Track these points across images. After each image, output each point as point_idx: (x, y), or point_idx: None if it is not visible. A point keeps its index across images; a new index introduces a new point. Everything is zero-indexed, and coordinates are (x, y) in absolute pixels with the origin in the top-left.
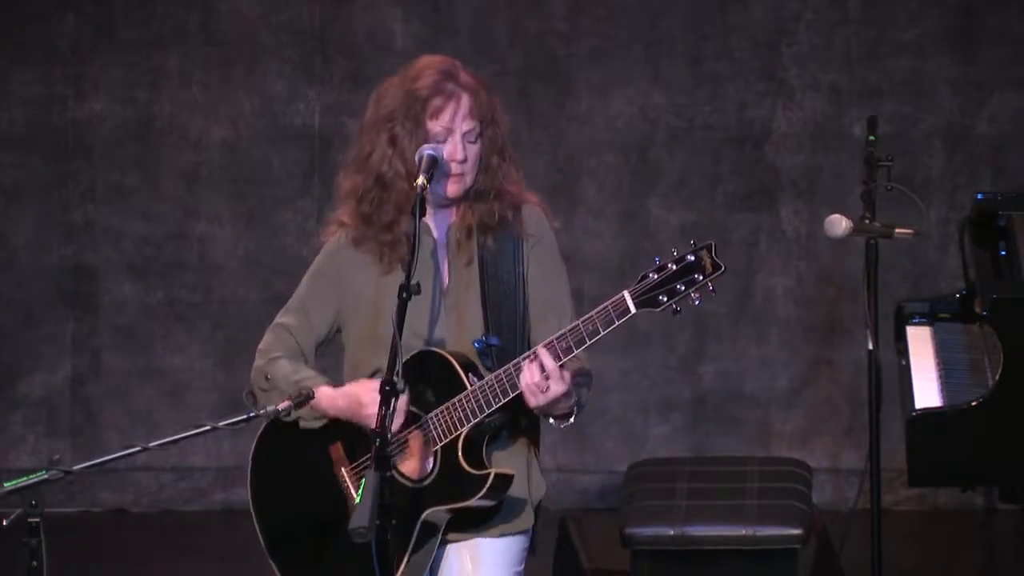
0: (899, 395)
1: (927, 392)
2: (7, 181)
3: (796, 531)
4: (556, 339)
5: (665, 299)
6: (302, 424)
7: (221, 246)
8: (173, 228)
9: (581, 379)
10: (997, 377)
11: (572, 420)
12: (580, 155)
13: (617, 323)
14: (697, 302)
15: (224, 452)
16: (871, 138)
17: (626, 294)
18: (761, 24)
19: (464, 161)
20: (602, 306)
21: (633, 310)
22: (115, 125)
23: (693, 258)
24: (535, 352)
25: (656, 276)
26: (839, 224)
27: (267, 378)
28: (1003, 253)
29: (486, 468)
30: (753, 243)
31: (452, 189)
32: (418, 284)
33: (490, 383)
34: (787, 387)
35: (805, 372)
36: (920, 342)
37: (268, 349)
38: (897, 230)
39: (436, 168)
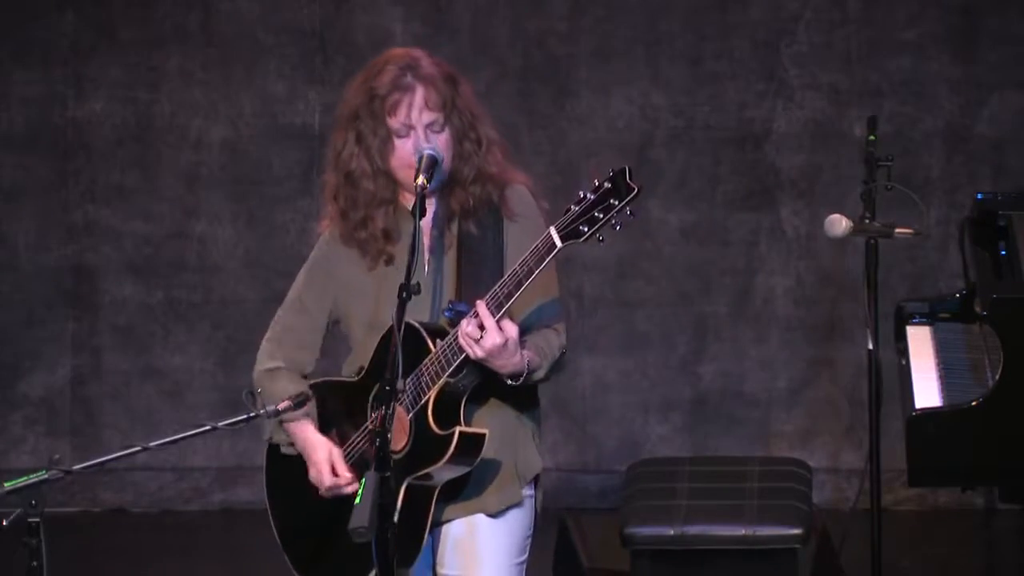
0: (899, 395)
1: (927, 392)
2: (7, 181)
3: (796, 531)
4: (494, 290)
5: (586, 229)
6: (283, 450)
7: (221, 246)
8: (173, 228)
9: (542, 340)
10: (997, 377)
11: (520, 382)
12: (580, 155)
13: (548, 258)
14: (617, 227)
15: (224, 452)
16: (871, 138)
17: (552, 229)
18: (761, 24)
19: None
20: (533, 246)
21: (559, 244)
22: (115, 125)
23: (609, 185)
24: (474, 308)
25: (576, 208)
26: (839, 224)
27: (259, 392)
28: (1003, 253)
29: (453, 427)
30: (753, 243)
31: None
32: (418, 284)
33: (449, 342)
34: (787, 387)
35: (805, 372)
36: (920, 342)
37: (272, 354)
38: (897, 230)
39: (436, 168)
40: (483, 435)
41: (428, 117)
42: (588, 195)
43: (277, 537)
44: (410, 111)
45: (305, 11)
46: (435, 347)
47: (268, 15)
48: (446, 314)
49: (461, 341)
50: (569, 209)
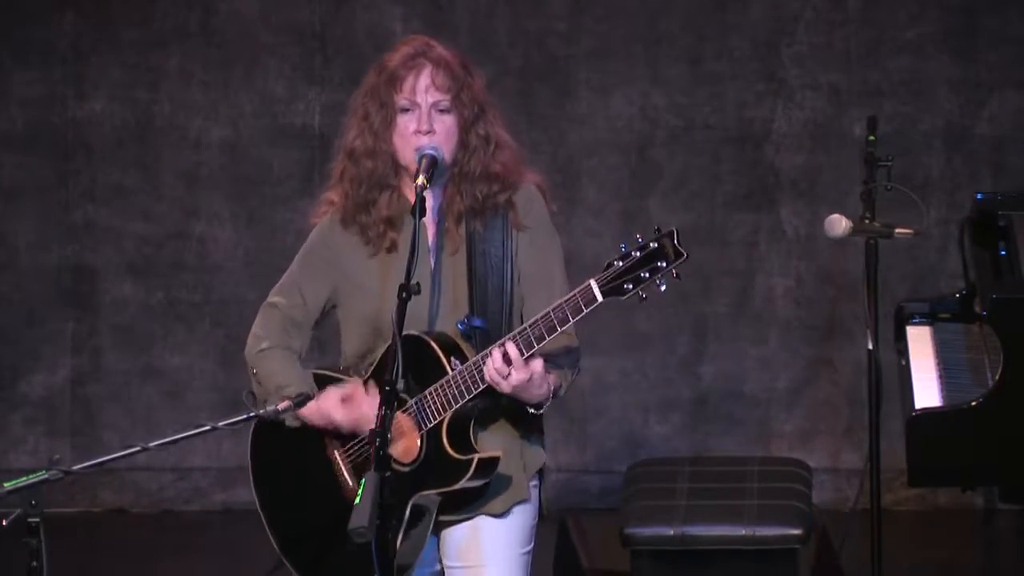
0: (899, 395)
1: (927, 392)
2: (7, 181)
3: (796, 531)
4: (524, 328)
5: (630, 287)
6: (288, 423)
7: (221, 246)
8: (173, 228)
9: (563, 359)
10: (997, 377)
11: (543, 409)
12: (580, 155)
13: (585, 311)
14: (662, 288)
15: (224, 452)
16: (871, 138)
17: (592, 283)
18: (761, 24)
19: (431, 132)
20: (570, 294)
21: (600, 298)
22: (115, 125)
23: (656, 245)
24: (502, 342)
25: (621, 264)
26: (839, 224)
27: (255, 372)
28: (1003, 253)
29: (471, 452)
30: (753, 243)
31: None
32: (418, 284)
33: (470, 368)
34: (787, 387)
35: (805, 372)
36: (920, 342)
37: (263, 335)
38: (897, 230)
39: (436, 168)
40: (497, 457)
41: (434, 96)
42: (634, 253)
43: (275, 544)
44: (416, 87)
45: (305, 11)
46: (450, 365)
47: (268, 15)
48: (459, 327)
49: (489, 376)
50: (611, 264)
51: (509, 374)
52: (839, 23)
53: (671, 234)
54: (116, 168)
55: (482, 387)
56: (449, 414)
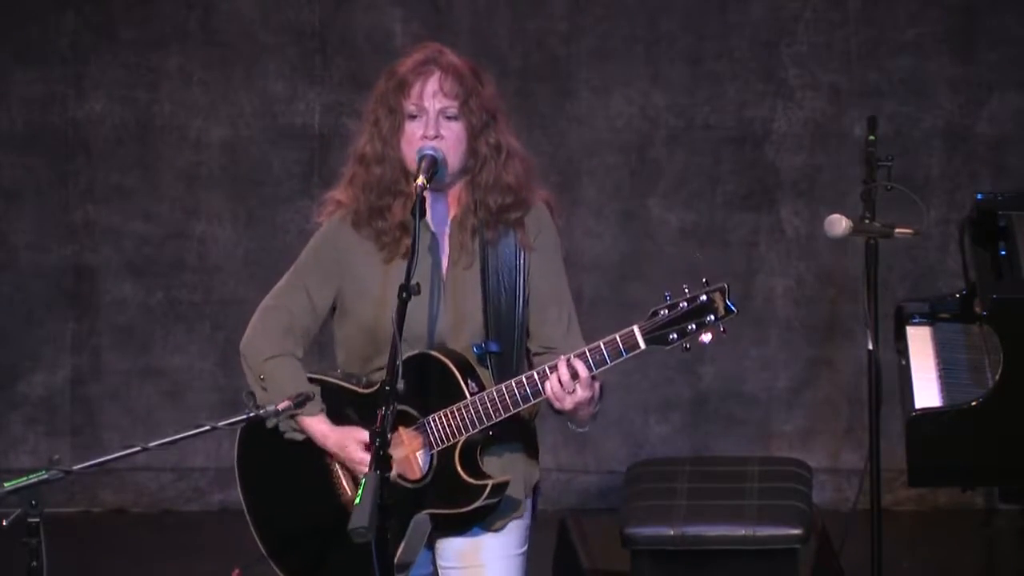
0: (899, 395)
1: (927, 392)
2: (7, 181)
3: (796, 531)
4: (589, 350)
5: (675, 337)
6: (287, 436)
7: (221, 246)
8: (173, 228)
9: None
10: (997, 377)
11: (586, 427)
12: (580, 155)
13: (625, 356)
14: (707, 341)
15: (224, 452)
16: (871, 138)
17: (636, 329)
18: (761, 24)
19: (438, 138)
20: (610, 337)
21: (643, 346)
22: (115, 125)
23: (706, 299)
24: (567, 359)
25: (667, 313)
26: (839, 224)
27: (262, 379)
28: (1003, 253)
29: (482, 476)
30: (753, 243)
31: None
32: (418, 285)
33: (491, 396)
34: (787, 387)
35: (805, 372)
36: (920, 342)
37: (265, 341)
38: (897, 230)
39: (437, 169)
40: (508, 482)
41: (442, 103)
42: (682, 304)
43: (263, 549)
44: (423, 92)
45: (305, 11)
46: (468, 389)
47: (268, 15)
48: (475, 350)
49: (552, 391)
50: (656, 313)
51: (574, 389)
52: (839, 23)
53: (723, 290)
54: (116, 168)
55: (504, 416)
56: (464, 438)
